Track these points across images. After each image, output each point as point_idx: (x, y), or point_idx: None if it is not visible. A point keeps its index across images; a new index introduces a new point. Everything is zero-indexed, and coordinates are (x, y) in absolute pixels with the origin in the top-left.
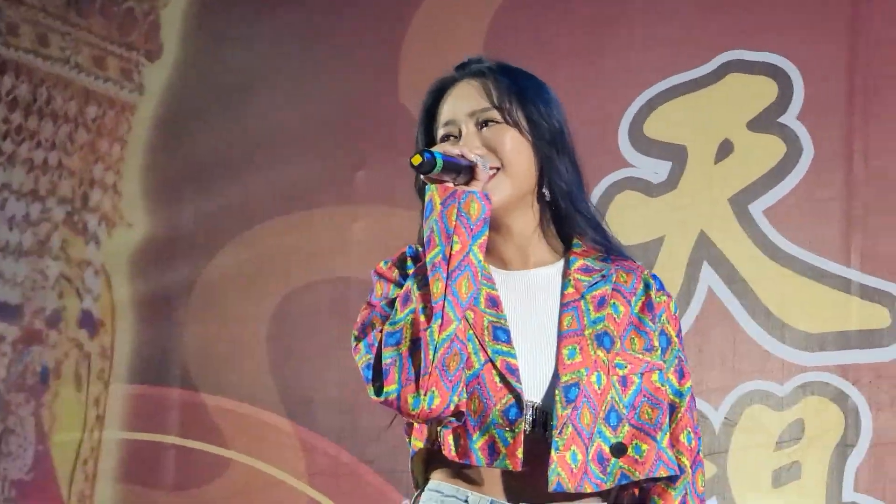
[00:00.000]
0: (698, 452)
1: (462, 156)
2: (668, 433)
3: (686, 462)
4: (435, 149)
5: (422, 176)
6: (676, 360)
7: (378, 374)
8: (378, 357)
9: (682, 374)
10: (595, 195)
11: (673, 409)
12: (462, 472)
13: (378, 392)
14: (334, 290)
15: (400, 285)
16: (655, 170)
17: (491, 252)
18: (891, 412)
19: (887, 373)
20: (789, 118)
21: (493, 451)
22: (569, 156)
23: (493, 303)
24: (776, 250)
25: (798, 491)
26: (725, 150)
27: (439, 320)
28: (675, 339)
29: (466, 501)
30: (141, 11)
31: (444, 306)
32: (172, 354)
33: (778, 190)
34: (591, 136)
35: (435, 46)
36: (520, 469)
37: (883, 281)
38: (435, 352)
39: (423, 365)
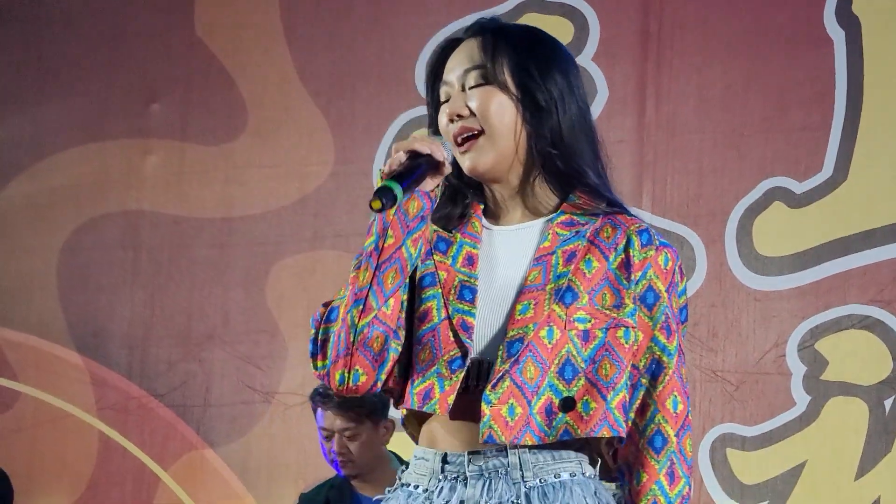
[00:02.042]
0: (686, 416)
1: (429, 155)
2: (620, 393)
3: (670, 430)
4: (395, 168)
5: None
6: (664, 317)
7: (316, 349)
8: (318, 331)
9: (669, 332)
10: (391, 133)
11: (661, 368)
12: (428, 433)
13: (314, 366)
14: (126, 223)
15: None
16: None
17: (486, 207)
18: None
19: None
20: (584, 59)
21: (427, 396)
22: (566, 117)
23: (470, 261)
24: None
25: None
26: None
27: (361, 306)
28: (665, 295)
29: (425, 459)
30: None
31: (367, 294)
32: None
33: None
34: (386, 73)
35: None
36: (445, 414)
37: (672, 223)
38: (356, 334)
39: (344, 346)
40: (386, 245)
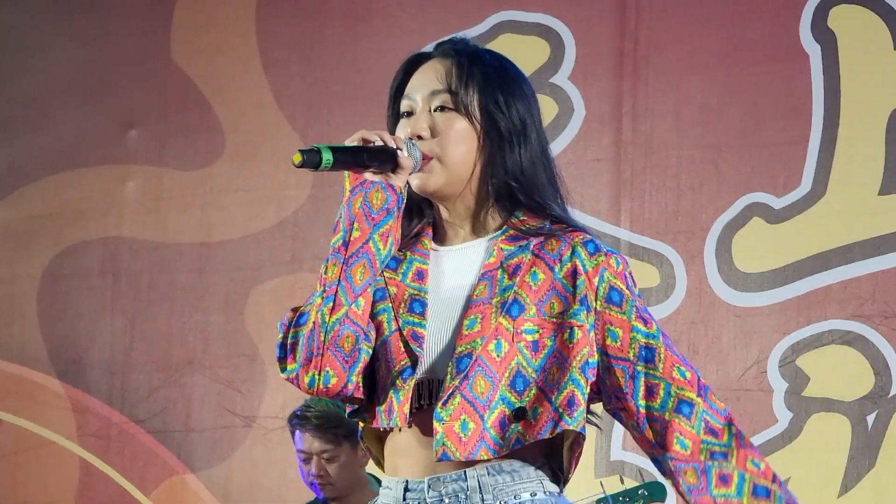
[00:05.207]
0: (699, 379)
1: (381, 142)
2: (566, 390)
3: (691, 394)
4: (349, 140)
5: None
6: (634, 309)
7: (284, 353)
8: (286, 336)
9: (645, 320)
10: None
11: (651, 350)
12: (391, 458)
13: (282, 370)
14: (105, 249)
15: None
16: None
17: (434, 227)
18: None
19: None
20: (561, 79)
21: (389, 411)
22: (527, 150)
23: (420, 276)
24: None
25: None
26: None
27: (330, 303)
28: (627, 292)
29: (389, 488)
30: None
31: (336, 290)
32: None
33: None
34: (362, 96)
35: (208, 5)
36: (405, 424)
37: (651, 240)
38: (326, 333)
39: (314, 346)
40: (352, 239)
